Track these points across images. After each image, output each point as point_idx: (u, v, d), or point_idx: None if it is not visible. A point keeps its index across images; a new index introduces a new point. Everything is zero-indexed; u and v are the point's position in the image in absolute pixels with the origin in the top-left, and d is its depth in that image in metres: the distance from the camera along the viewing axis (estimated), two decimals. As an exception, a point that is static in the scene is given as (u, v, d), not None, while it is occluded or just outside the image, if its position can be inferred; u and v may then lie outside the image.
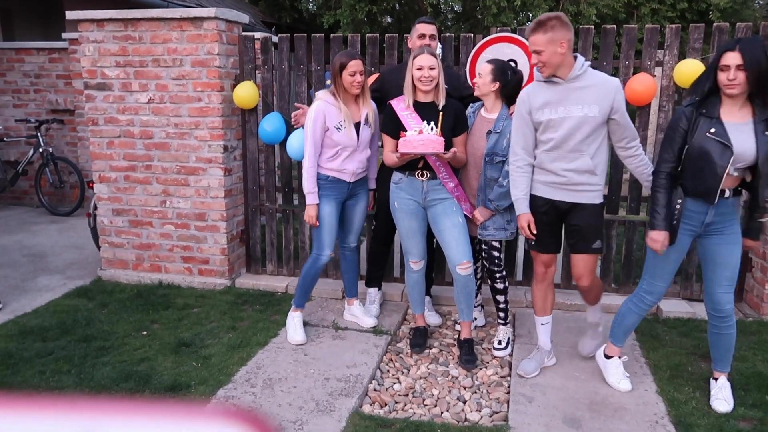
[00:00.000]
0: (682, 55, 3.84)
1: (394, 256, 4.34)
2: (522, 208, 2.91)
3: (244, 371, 3.09)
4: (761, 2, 13.25)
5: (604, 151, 2.81)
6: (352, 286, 3.75)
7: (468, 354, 3.24)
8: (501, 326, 3.45)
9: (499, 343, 3.40)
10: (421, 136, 2.94)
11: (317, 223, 3.35)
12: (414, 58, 3.11)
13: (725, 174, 2.52)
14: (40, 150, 6.53)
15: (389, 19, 13.10)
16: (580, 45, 3.84)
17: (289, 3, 13.26)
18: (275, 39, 4.43)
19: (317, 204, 3.32)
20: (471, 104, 3.41)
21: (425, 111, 3.16)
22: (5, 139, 6.81)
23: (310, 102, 3.69)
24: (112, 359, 3.20)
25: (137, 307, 3.93)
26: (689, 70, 3.60)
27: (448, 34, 4.12)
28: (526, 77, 3.57)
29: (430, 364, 3.29)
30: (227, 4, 10.60)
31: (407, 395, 2.97)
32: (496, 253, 3.33)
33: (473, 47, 3.92)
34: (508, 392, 2.96)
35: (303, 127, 3.49)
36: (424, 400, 2.93)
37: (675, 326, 3.65)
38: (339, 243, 3.69)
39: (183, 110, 4.16)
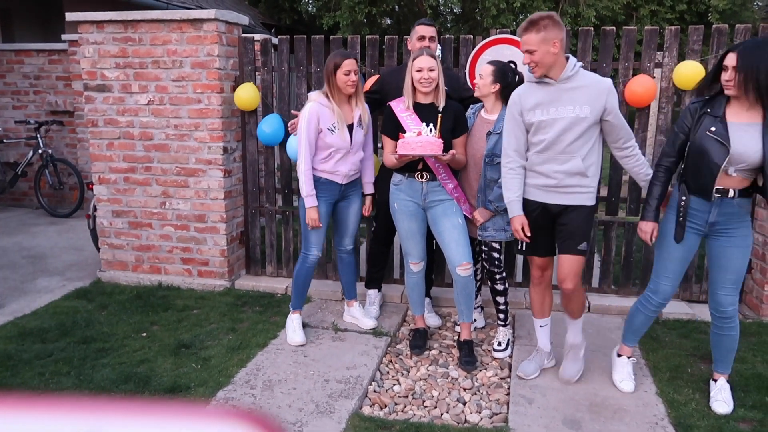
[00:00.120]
0: (681, 57, 3.84)
1: (394, 258, 4.33)
2: (515, 211, 2.86)
3: (243, 373, 3.09)
4: (760, 4, 13.28)
5: (596, 153, 2.78)
6: (351, 287, 3.74)
7: (468, 355, 3.24)
8: (501, 328, 3.45)
9: (499, 344, 3.40)
10: (420, 138, 2.94)
11: (320, 225, 3.34)
12: (414, 59, 3.11)
13: (720, 172, 2.52)
14: (40, 151, 6.54)
15: (389, 21, 13.13)
16: (579, 46, 3.85)
17: (289, 5, 13.28)
18: (275, 41, 4.43)
19: (317, 206, 3.32)
20: (471, 105, 3.41)
21: (425, 112, 3.15)
22: (5, 140, 6.81)
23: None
24: (111, 361, 3.20)
25: (137, 309, 3.93)
26: (688, 71, 3.61)
27: (447, 35, 4.12)
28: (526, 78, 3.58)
29: (429, 365, 3.29)
30: (227, 6, 10.60)
31: (407, 397, 2.97)
32: (496, 255, 3.33)
33: (473, 49, 3.93)
34: (508, 394, 2.96)
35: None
36: (423, 401, 2.92)
37: (675, 328, 3.65)
38: (335, 246, 3.70)
39: (183, 112, 4.16)
